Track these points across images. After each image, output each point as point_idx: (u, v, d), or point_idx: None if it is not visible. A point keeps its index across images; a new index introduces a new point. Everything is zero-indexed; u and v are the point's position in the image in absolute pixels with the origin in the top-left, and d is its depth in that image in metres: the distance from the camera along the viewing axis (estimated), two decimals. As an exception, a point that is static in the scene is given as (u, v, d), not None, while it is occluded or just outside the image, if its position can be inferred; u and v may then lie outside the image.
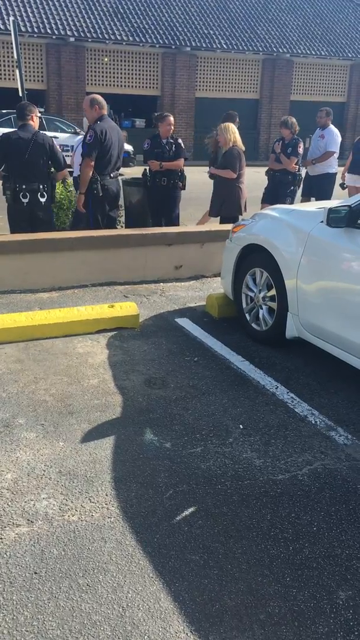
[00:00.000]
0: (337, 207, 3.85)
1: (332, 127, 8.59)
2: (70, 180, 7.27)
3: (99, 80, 22.37)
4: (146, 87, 23.24)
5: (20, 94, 9.71)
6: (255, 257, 4.69)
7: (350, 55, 25.07)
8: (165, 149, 6.89)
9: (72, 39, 20.96)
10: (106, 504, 2.72)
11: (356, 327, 3.69)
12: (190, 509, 2.72)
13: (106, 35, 21.32)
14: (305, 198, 8.50)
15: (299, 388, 3.94)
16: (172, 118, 7.00)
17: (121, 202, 6.95)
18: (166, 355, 4.35)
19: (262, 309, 4.62)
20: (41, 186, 5.75)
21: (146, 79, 23.11)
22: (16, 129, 5.86)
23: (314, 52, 24.46)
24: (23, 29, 19.42)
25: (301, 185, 8.28)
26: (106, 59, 22.21)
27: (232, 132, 6.86)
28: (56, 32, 20.73)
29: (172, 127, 6.98)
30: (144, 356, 4.32)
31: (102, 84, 22.20)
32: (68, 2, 21.80)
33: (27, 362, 4.15)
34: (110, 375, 3.99)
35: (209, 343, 4.60)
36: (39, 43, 21.20)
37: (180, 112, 22.58)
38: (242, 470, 3.03)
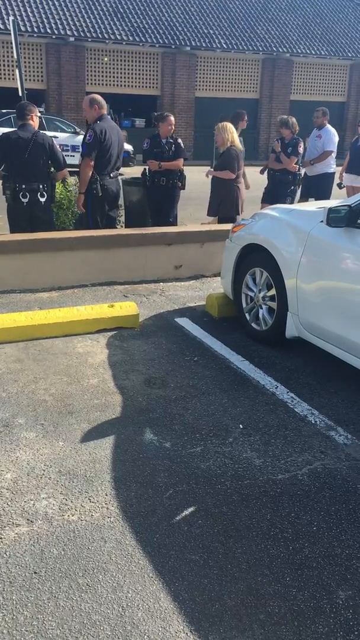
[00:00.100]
0: (337, 206, 3.85)
1: (328, 126, 8.61)
2: (70, 179, 7.26)
3: (98, 80, 22.36)
4: (146, 86, 23.24)
5: (20, 94, 9.70)
6: (255, 256, 4.69)
7: (350, 55, 25.07)
8: (164, 148, 6.88)
9: (72, 39, 20.96)
10: (106, 504, 2.72)
11: (356, 326, 3.69)
12: (190, 509, 2.72)
13: (106, 35, 21.32)
14: (304, 198, 8.50)
15: (298, 388, 3.94)
16: (173, 118, 6.99)
17: (121, 201, 6.95)
18: (166, 355, 4.35)
19: (262, 308, 4.62)
20: (41, 186, 5.74)
21: (146, 79, 23.11)
22: (16, 129, 5.86)
23: (313, 52, 24.45)
24: (23, 28, 19.42)
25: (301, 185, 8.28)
26: (106, 59, 22.21)
27: (230, 132, 6.85)
28: (56, 31, 20.73)
29: (173, 127, 6.97)
30: (144, 356, 4.32)
31: (102, 84, 22.20)
32: (68, 2, 21.80)
33: (27, 362, 4.15)
34: (110, 375, 3.99)
35: (209, 343, 4.60)
36: (39, 43, 21.20)
37: (180, 112, 22.58)
38: (242, 470, 3.03)
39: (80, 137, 12.51)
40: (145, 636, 2.09)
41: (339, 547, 2.53)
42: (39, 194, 5.75)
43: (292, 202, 7.65)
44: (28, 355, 4.25)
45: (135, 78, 22.91)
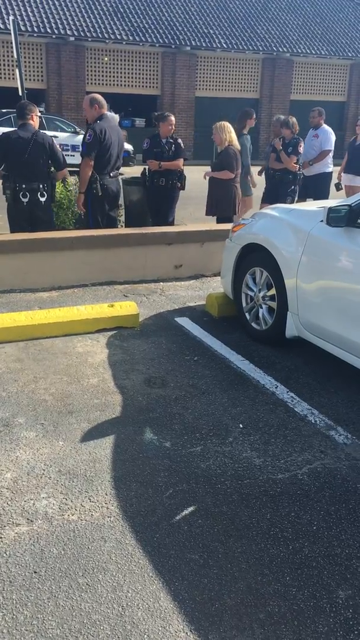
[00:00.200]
0: (337, 206, 3.85)
1: (325, 126, 8.64)
2: (70, 179, 7.26)
3: (98, 80, 22.36)
4: (146, 86, 23.24)
5: (20, 93, 9.70)
6: (255, 256, 4.69)
7: (350, 55, 25.06)
8: (164, 148, 6.87)
9: (72, 39, 20.96)
10: (106, 503, 2.72)
11: (356, 326, 3.69)
12: (190, 508, 2.72)
13: (106, 35, 21.32)
14: (302, 199, 8.49)
15: (298, 387, 3.94)
16: (173, 118, 6.97)
17: (121, 201, 6.95)
18: (166, 355, 4.35)
19: (262, 308, 4.62)
20: (41, 185, 5.74)
21: (146, 79, 23.11)
22: (16, 129, 5.86)
23: (314, 52, 24.45)
24: (23, 28, 19.42)
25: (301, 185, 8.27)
26: (106, 59, 22.20)
27: (228, 132, 6.84)
28: (56, 31, 20.73)
29: (173, 127, 6.96)
30: (144, 355, 4.32)
31: (102, 84, 22.20)
32: (68, 2, 21.80)
33: (27, 362, 4.15)
34: (110, 375, 3.99)
35: (209, 342, 4.60)
36: (39, 42, 21.20)
37: (180, 112, 22.57)
38: (241, 469, 3.03)
39: (80, 137, 12.51)
40: (145, 636, 2.09)
41: (339, 546, 2.53)
42: (39, 193, 5.75)
43: (292, 202, 7.64)
44: (28, 355, 4.25)
45: (135, 78, 22.91)
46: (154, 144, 6.90)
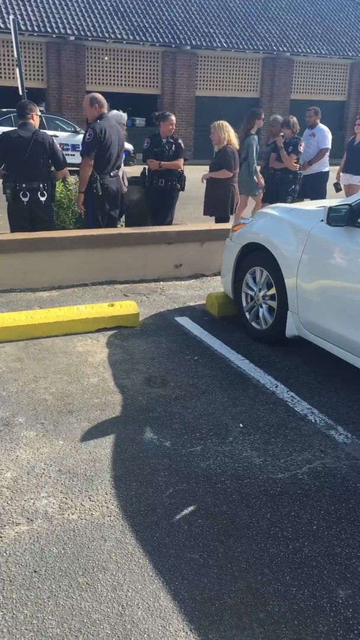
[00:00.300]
0: (337, 205, 3.85)
1: (321, 125, 8.68)
2: (70, 178, 7.26)
3: (99, 79, 22.35)
4: (146, 85, 23.22)
5: (20, 93, 9.70)
6: (255, 255, 4.69)
7: (350, 54, 25.04)
8: (165, 148, 6.86)
9: (72, 38, 20.94)
10: (106, 503, 2.72)
11: (356, 326, 3.69)
12: (190, 508, 2.72)
13: (106, 34, 21.30)
14: (300, 198, 8.49)
15: (298, 387, 3.94)
16: (174, 117, 6.96)
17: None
18: (166, 354, 4.35)
19: (262, 307, 4.62)
20: (41, 185, 5.74)
21: (146, 78, 23.09)
22: (16, 128, 5.86)
23: (314, 51, 24.43)
24: (23, 27, 19.40)
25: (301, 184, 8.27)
26: (106, 58, 22.18)
27: (227, 131, 6.83)
28: (56, 30, 20.72)
29: (174, 127, 6.95)
30: (144, 355, 4.32)
31: (102, 83, 22.18)
32: (68, 1, 21.77)
33: (27, 361, 4.15)
34: (110, 374, 3.99)
35: (209, 342, 4.60)
36: (39, 42, 21.18)
37: (180, 111, 22.55)
38: (241, 469, 3.03)
39: (81, 136, 12.50)
40: (145, 635, 2.09)
41: (339, 546, 2.53)
42: (39, 193, 5.75)
43: (292, 201, 7.64)
44: (28, 354, 4.25)
45: (136, 77, 22.89)
46: (155, 143, 6.89)
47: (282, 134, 7.95)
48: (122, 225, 7.33)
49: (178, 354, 4.36)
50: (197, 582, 2.32)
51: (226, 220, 7.04)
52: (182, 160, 6.94)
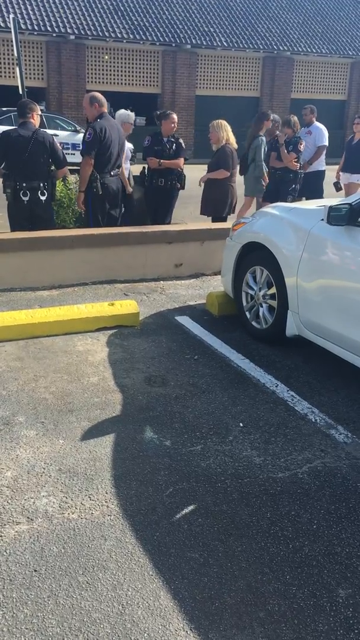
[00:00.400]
0: (337, 205, 3.85)
1: (317, 123, 8.75)
2: (70, 178, 7.26)
3: (99, 78, 22.33)
4: (146, 85, 23.20)
5: (21, 92, 9.70)
6: (255, 255, 4.68)
7: (350, 53, 25.02)
8: (165, 147, 6.84)
9: (72, 37, 20.91)
10: (106, 502, 2.72)
11: (357, 325, 3.69)
12: (190, 507, 2.72)
13: (106, 33, 21.28)
14: (298, 198, 8.49)
15: (299, 386, 3.94)
16: (175, 116, 6.95)
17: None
18: (166, 353, 4.35)
19: (262, 307, 4.62)
20: (41, 184, 5.74)
21: (146, 77, 23.07)
22: (16, 127, 5.85)
23: (314, 50, 24.40)
24: (23, 26, 19.37)
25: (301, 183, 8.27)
26: (106, 57, 22.16)
27: (226, 130, 6.81)
28: (56, 29, 20.69)
29: (176, 126, 6.94)
30: (144, 354, 4.32)
31: (103, 82, 22.16)
32: (68, 0, 21.76)
33: (27, 360, 4.15)
34: (110, 373, 3.99)
35: (209, 341, 4.60)
36: (39, 41, 21.16)
37: (181, 110, 22.50)
38: (242, 468, 3.03)
39: (81, 135, 12.50)
40: (145, 634, 2.09)
41: (339, 545, 2.53)
42: (39, 192, 5.75)
43: (293, 201, 7.63)
44: (28, 354, 4.25)
45: (136, 76, 22.87)
46: (155, 141, 6.88)
47: (278, 132, 7.96)
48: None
49: (178, 353, 4.36)
50: (197, 581, 2.32)
51: (223, 220, 7.03)
52: (182, 159, 6.93)
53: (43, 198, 5.79)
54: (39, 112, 5.93)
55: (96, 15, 21.67)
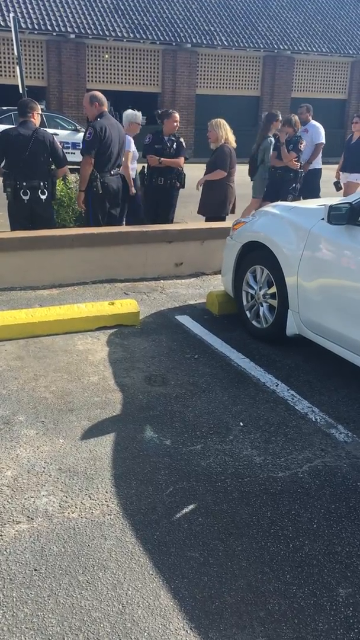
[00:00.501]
0: (338, 204, 3.85)
1: (313, 121, 8.78)
2: (70, 177, 7.25)
3: (99, 77, 22.32)
4: (147, 84, 23.19)
5: (21, 91, 9.70)
6: (255, 254, 4.68)
7: (351, 52, 25.00)
8: (166, 145, 6.83)
9: (72, 36, 20.90)
10: (106, 501, 2.72)
11: (357, 324, 3.68)
12: (190, 506, 2.72)
13: (107, 32, 21.26)
14: (297, 197, 8.48)
15: (299, 385, 3.93)
16: (177, 115, 6.94)
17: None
18: (166, 353, 4.35)
19: (262, 306, 4.62)
20: (42, 183, 5.73)
21: (147, 76, 23.06)
22: (16, 126, 5.84)
23: (315, 49, 24.39)
24: (23, 25, 19.37)
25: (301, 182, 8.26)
26: (107, 56, 22.15)
27: (225, 129, 6.79)
28: (56, 28, 20.68)
29: (178, 125, 6.93)
30: (144, 353, 4.31)
31: (103, 81, 22.15)
32: (69, -1, 21.76)
33: (27, 359, 4.14)
34: (111, 373, 3.99)
35: (209, 340, 4.60)
36: (40, 40, 21.15)
37: (181, 109, 22.45)
38: (242, 467, 3.03)
39: (81, 135, 12.49)
40: (146, 633, 2.09)
41: (339, 544, 2.53)
42: (39, 191, 5.74)
43: (293, 200, 7.62)
44: (28, 353, 4.25)
45: (136, 75, 22.86)
46: (156, 140, 6.87)
47: (277, 131, 7.96)
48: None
49: (178, 353, 4.36)
50: (197, 581, 2.32)
51: (221, 221, 7.01)
52: (182, 158, 6.92)
53: (43, 197, 5.78)
54: (40, 111, 5.92)
55: (96, 14, 21.65)
